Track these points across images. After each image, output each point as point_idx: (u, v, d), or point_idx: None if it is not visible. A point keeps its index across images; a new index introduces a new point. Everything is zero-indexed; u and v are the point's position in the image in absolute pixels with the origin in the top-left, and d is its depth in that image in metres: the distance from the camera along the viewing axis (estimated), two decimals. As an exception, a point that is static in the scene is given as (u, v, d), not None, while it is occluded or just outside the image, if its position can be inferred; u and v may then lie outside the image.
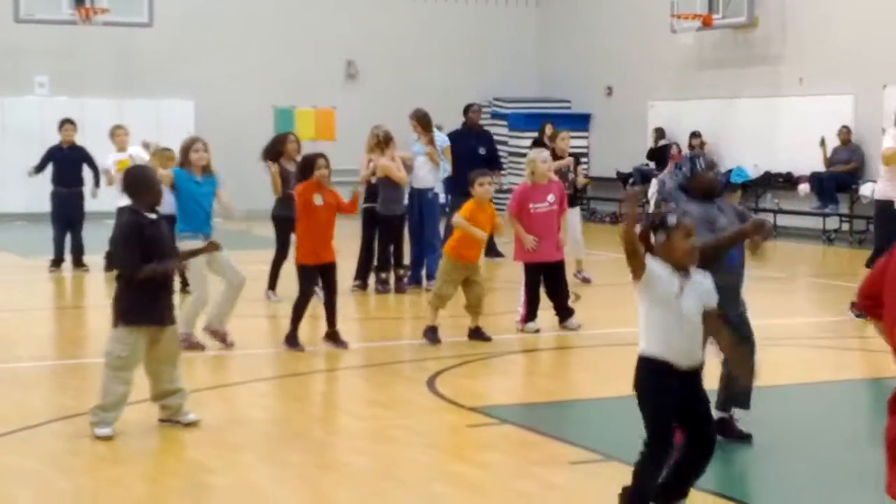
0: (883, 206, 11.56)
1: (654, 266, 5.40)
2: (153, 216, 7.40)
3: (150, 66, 24.01)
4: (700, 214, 6.58)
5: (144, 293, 7.27)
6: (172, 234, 7.64)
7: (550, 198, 10.92)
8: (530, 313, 10.98)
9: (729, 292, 6.43)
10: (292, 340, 10.04)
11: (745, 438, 7.12)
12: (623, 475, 6.52)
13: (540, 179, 10.94)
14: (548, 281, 10.99)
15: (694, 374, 5.48)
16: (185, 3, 24.33)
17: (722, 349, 5.76)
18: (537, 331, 10.90)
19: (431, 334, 10.39)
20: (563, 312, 11.06)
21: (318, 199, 10.02)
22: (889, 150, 11.33)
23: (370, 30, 25.76)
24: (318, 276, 10.20)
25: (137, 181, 7.54)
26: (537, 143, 16.59)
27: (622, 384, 8.83)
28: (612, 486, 6.43)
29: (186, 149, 10.38)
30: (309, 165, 10.14)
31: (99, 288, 14.61)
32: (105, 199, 15.53)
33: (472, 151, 16.47)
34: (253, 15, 24.98)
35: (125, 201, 15.64)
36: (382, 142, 13.15)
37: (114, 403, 7.27)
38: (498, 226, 10.68)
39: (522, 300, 11.07)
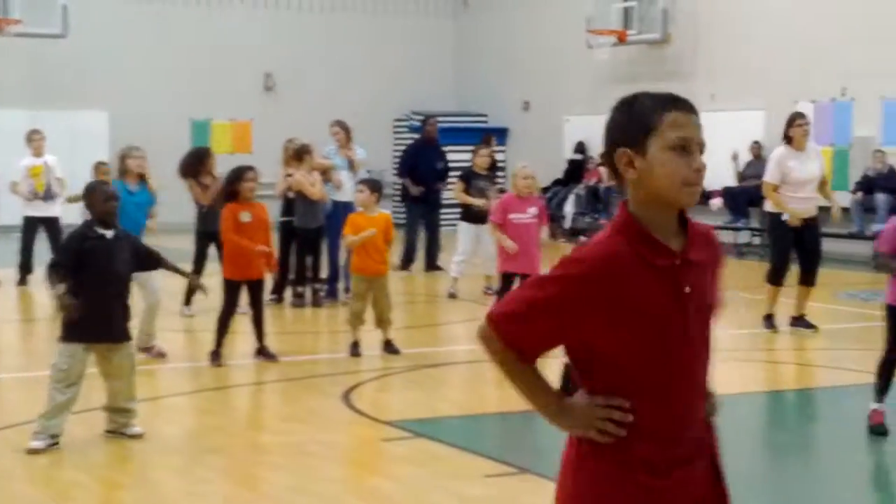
0: (772, 220, 11.86)
1: None
2: (105, 231, 7.38)
3: (63, 77, 23.72)
4: None
5: (86, 309, 7.27)
6: (128, 253, 7.60)
7: (532, 210, 11.03)
8: None
9: None
10: (216, 355, 9.96)
11: None
12: (538, 487, 6.58)
13: (521, 193, 11.08)
14: None
15: None
16: (100, 14, 24.08)
17: None
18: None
19: (352, 349, 10.41)
20: None
21: (245, 217, 9.97)
22: (764, 184, 11.72)
23: (287, 42, 25.70)
24: (240, 291, 10.14)
25: (86, 194, 7.68)
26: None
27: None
28: (527, 499, 6.48)
29: (124, 156, 10.35)
30: (237, 177, 10.08)
31: (8, 302, 14.37)
32: (11, 211, 15.32)
33: (431, 165, 16.59)
34: (169, 26, 24.79)
35: (32, 211, 15.33)
36: (293, 156, 13.17)
37: (52, 412, 7.27)
38: (390, 235, 10.59)
39: None
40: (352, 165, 13.91)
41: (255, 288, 10.10)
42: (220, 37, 25.15)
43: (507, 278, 11.01)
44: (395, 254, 11.45)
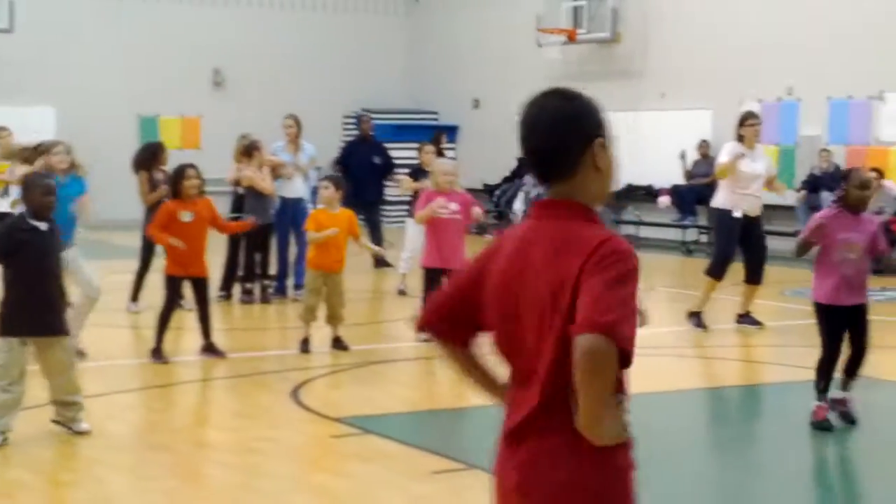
0: (721, 216, 11.95)
1: None
2: (38, 224, 7.33)
3: (10, 72, 23.45)
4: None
5: (22, 302, 7.25)
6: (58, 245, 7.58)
7: (453, 206, 10.93)
8: None
9: None
10: (157, 352, 9.92)
11: None
12: (485, 483, 6.60)
13: (441, 188, 11.01)
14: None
15: None
16: (47, 9, 23.83)
17: None
18: (427, 340, 10.90)
19: (302, 345, 10.40)
20: None
21: (185, 216, 9.92)
22: (720, 166, 11.80)
23: (237, 38, 25.57)
24: (182, 287, 10.11)
25: (24, 187, 7.63)
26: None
27: (485, 394, 8.96)
28: (474, 495, 6.50)
29: (45, 152, 10.18)
30: (179, 176, 10.05)
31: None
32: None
33: (366, 160, 16.58)
34: (117, 21, 24.58)
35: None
36: (243, 152, 13.14)
37: None
38: (356, 232, 10.61)
39: (419, 307, 11.07)
40: (298, 166, 13.88)
41: (199, 285, 10.07)
42: (169, 32, 24.97)
43: (430, 274, 10.99)
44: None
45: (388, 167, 16.98)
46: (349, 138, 17.10)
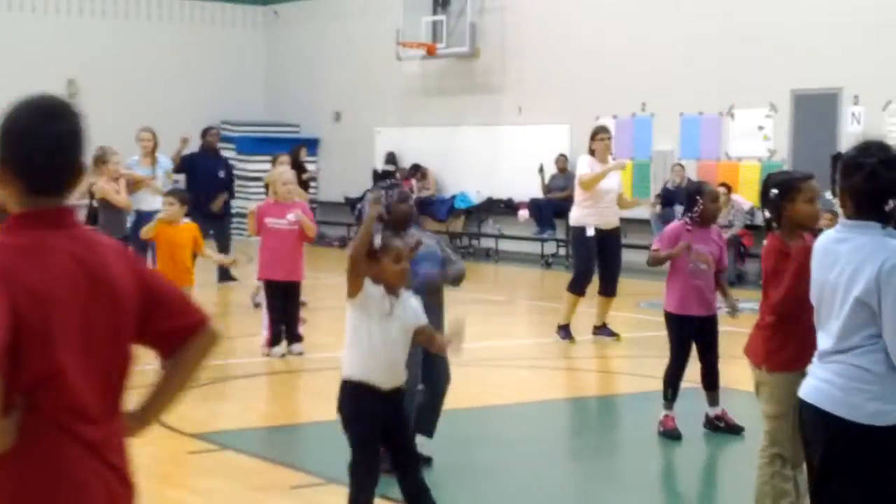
0: (576, 233, 12.16)
1: (368, 285, 5.46)
2: None
3: None
4: None
5: None
6: None
7: (290, 216, 10.81)
8: (275, 336, 10.93)
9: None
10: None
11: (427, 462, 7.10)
12: (343, 498, 6.59)
13: (280, 198, 10.94)
14: (282, 302, 10.97)
15: (396, 395, 5.54)
16: None
17: (437, 349, 5.77)
18: (283, 355, 10.88)
19: None
20: (290, 337, 11.04)
21: None
22: (585, 176, 11.89)
23: (93, 48, 25.09)
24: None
25: None
26: (294, 164, 16.40)
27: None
28: (332, 509, 6.49)
29: None
30: None
31: None
32: None
33: (212, 174, 16.37)
34: (-34, 29, 23.92)
35: None
36: (93, 163, 12.92)
37: None
38: (200, 245, 10.47)
39: (266, 323, 11.00)
40: (155, 187, 13.72)
41: None
42: (20, 40, 24.38)
43: (268, 286, 10.98)
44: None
45: (231, 181, 16.88)
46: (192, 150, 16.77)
